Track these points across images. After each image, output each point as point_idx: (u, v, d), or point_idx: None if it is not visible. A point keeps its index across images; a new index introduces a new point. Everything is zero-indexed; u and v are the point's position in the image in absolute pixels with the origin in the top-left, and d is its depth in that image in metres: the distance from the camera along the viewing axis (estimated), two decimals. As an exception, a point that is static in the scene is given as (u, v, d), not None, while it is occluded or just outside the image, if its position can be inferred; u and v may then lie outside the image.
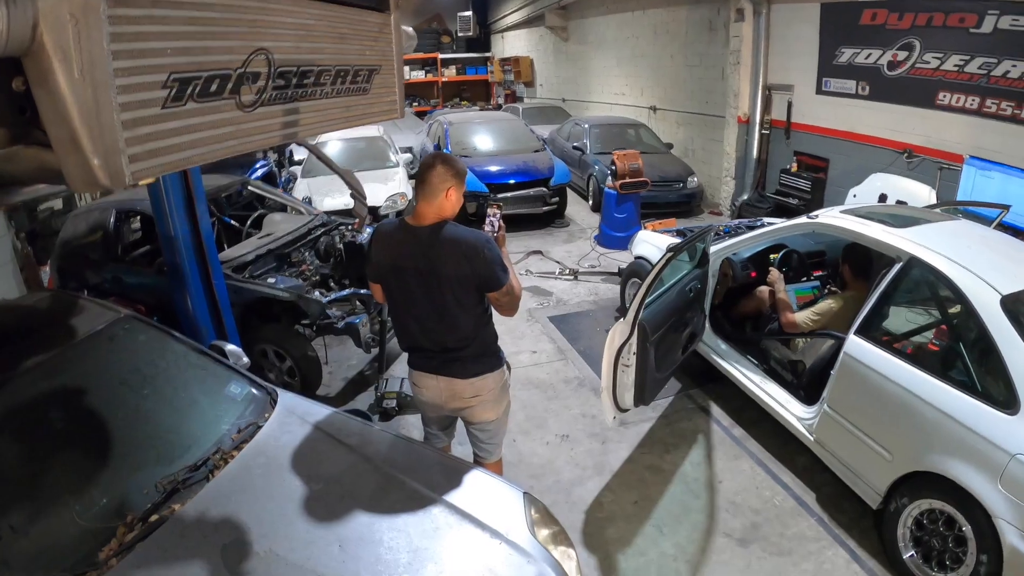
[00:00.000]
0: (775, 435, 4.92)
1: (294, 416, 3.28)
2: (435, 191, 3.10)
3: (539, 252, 9.50)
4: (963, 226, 4.64)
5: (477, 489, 3.02)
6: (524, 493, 3.06)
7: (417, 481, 2.96)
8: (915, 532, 3.82)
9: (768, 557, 3.96)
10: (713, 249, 5.38)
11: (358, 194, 3.89)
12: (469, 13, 25.58)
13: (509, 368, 3.62)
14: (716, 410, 5.40)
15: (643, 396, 4.41)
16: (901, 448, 3.83)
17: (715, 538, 4.09)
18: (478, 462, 3.66)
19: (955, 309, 3.87)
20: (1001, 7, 6.99)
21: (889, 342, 4.06)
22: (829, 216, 4.80)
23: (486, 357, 3.40)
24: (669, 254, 4.19)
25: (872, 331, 4.09)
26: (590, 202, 12.06)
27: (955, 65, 7.62)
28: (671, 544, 4.03)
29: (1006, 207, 5.80)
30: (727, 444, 4.98)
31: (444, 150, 11.18)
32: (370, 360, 6.20)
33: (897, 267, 4.09)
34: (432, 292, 3.16)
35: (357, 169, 10.04)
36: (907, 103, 8.32)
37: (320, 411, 3.41)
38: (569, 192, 11.67)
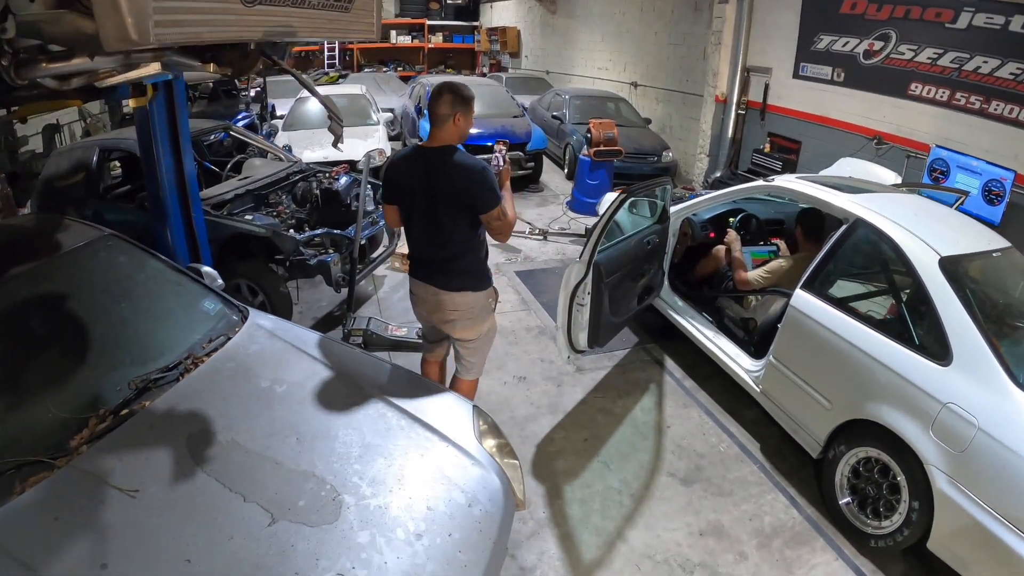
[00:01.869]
0: (725, 390, 5.13)
1: (263, 330, 3.45)
2: (444, 117, 3.40)
3: (510, 215, 9.57)
4: (912, 198, 4.86)
5: (431, 400, 3.22)
6: (474, 406, 3.28)
7: (374, 388, 3.16)
8: (852, 480, 4.01)
9: (709, 497, 4.15)
10: (674, 209, 5.55)
11: (334, 115, 4.01)
12: (460, -20, 25.44)
13: (496, 294, 3.91)
14: (670, 363, 5.59)
15: (597, 337, 4.59)
16: (840, 397, 4.03)
17: (659, 476, 4.28)
18: (456, 377, 4.03)
19: (897, 268, 4.05)
20: (977, 4, 7.20)
21: (832, 297, 4.24)
22: (785, 180, 5.00)
23: (471, 275, 3.67)
24: (624, 195, 4.36)
25: (817, 286, 4.28)
26: (565, 171, 12.21)
27: (928, 58, 7.83)
28: (617, 479, 4.22)
29: (964, 193, 6.02)
30: (678, 394, 5.18)
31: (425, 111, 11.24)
32: (340, 302, 6.32)
33: (844, 227, 4.29)
34: (431, 207, 3.48)
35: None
36: (880, 92, 8.54)
37: (288, 326, 3.62)
38: (546, 161, 11.81)
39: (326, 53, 22.40)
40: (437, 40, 25.20)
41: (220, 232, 5.49)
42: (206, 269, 3.95)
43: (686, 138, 12.51)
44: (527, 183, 11.23)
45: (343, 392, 3.10)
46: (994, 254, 4.24)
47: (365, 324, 5.64)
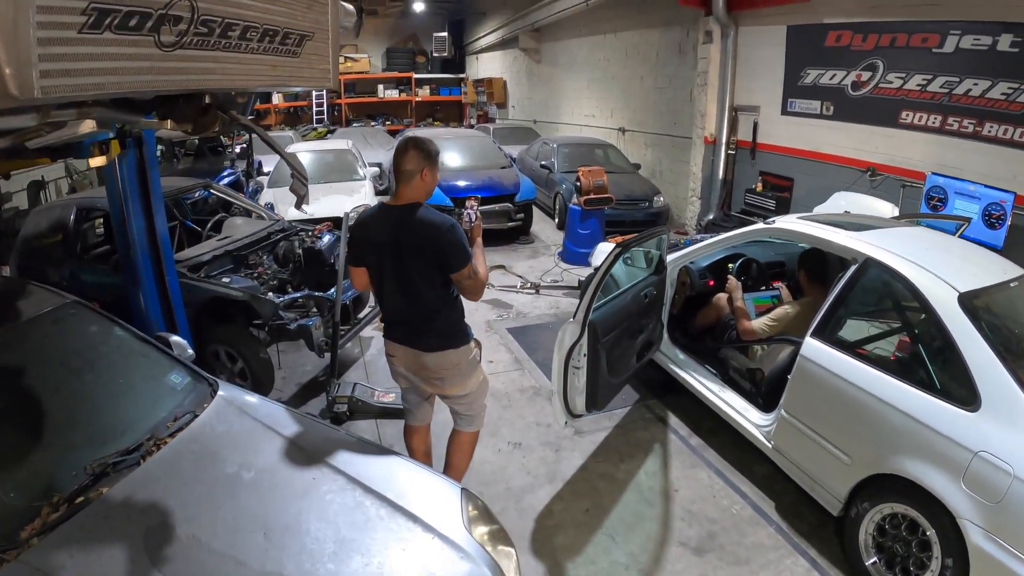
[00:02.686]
0: (734, 445, 4.83)
1: (233, 407, 3.23)
2: (410, 174, 3.38)
3: (502, 267, 9.39)
4: (918, 231, 4.66)
5: (413, 484, 2.94)
6: (463, 489, 2.98)
7: (352, 474, 2.88)
8: (877, 538, 3.73)
9: (724, 567, 3.83)
10: (671, 258, 5.32)
11: (298, 174, 3.82)
12: (445, 34, 25.67)
13: (479, 345, 3.86)
14: (674, 420, 5.29)
15: (595, 401, 4.32)
16: (860, 451, 3.75)
17: (669, 547, 3.96)
18: (456, 431, 3.94)
19: (912, 308, 3.83)
20: (963, 27, 7.11)
21: (846, 344, 3.99)
22: (786, 221, 4.78)
23: (450, 334, 3.58)
24: (618, 250, 4.12)
25: (828, 333, 4.02)
26: (556, 220, 12.02)
27: (918, 84, 7.72)
28: (623, 553, 3.89)
29: (967, 220, 5.82)
30: (684, 454, 4.87)
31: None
32: (324, 366, 6.02)
33: (853, 268, 4.05)
34: (400, 267, 3.42)
35: (324, 181, 10.04)
36: (871, 123, 8.41)
37: (260, 403, 3.37)
38: (536, 211, 11.66)
39: (314, 108, 22.47)
40: (424, 93, 25.29)
41: (197, 295, 5.25)
42: (175, 339, 3.72)
43: (677, 182, 12.34)
44: (517, 235, 11.04)
45: (317, 478, 2.83)
46: (1011, 284, 4.00)
47: (350, 391, 5.34)
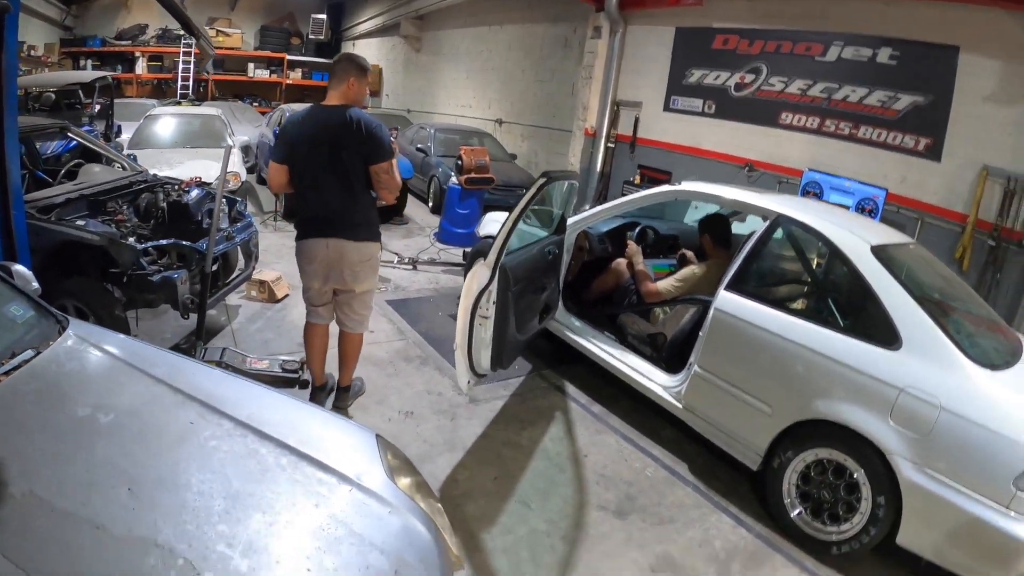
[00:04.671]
0: (637, 412, 4.73)
1: (87, 343, 2.58)
2: (340, 79, 3.77)
3: (377, 244, 8.96)
4: (812, 200, 5.01)
5: (319, 429, 2.45)
6: (376, 435, 2.53)
7: (241, 418, 2.30)
8: (802, 487, 3.75)
9: (649, 527, 3.70)
10: (569, 222, 5.16)
11: (205, 40, 3.47)
12: (323, 16, 24.48)
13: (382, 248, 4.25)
14: (572, 389, 5.10)
15: (501, 358, 4.04)
16: (782, 400, 3.77)
17: (589, 512, 3.76)
18: (346, 334, 4.23)
19: (828, 260, 3.97)
20: (846, 39, 7.55)
21: (762, 295, 4.01)
22: (693, 184, 4.83)
23: (371, 226, 4.00)
24: (543, 180, 3.94)
25: (743, 286, 4.03)
26: (430, 204, 11.70)
27: (799, 89, 8.06)
28: (541, 520, 3.64)
29: (844, 207, 6.06)
30: (587, 420, 4.68)
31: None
32: (187, 334, 5.37)
33: (765, 225, 4.13)
34: (334, 159, 3.73)
35: (191, 146, 9.46)
36: (751, 122, 8.68)
37: (123, 340, 2.75)
38: (409, 197, 11.34)
39: (179, 82, 21.02)
40: (296, 76, 24.08)
41: (46, 240, 4.48)
42: (17, 268, 3.03)
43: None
44: (391, 215, 10.57)
45: (196, 423, 2.24)
46: (910, 246, 4.33)
47: (219, 355, 4.73)
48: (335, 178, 3.75)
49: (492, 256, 3.71)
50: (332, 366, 4.47)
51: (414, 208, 11.53)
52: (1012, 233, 6.36)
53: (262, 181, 11.38)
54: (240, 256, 5.97)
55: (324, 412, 2.73)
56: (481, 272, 3.72)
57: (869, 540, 3.51)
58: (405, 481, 2.33)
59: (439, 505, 2.40)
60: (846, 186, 7.24)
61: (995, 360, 3.51)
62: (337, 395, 4.46)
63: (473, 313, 3.73)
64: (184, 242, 4.93)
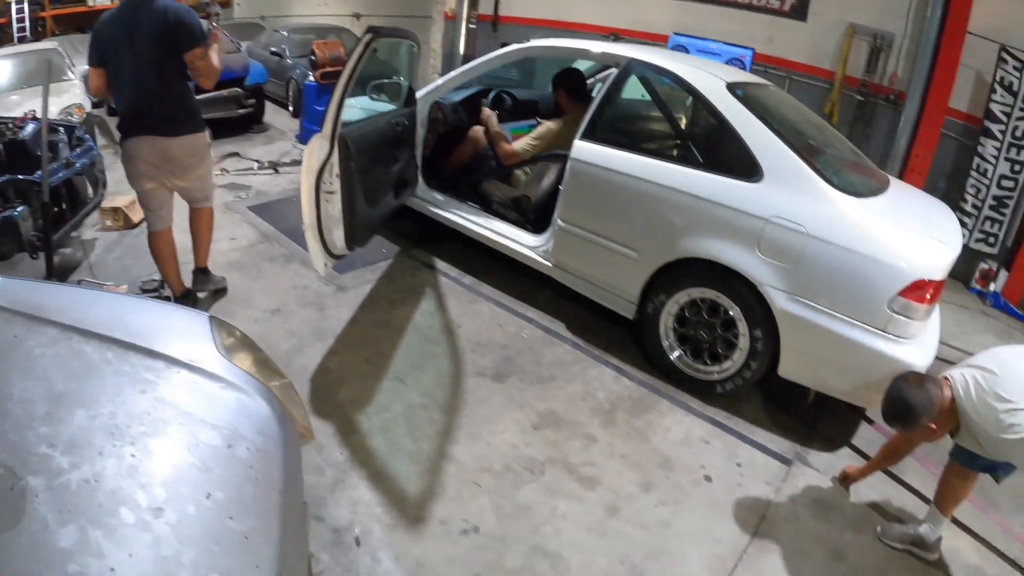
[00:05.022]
0: (510, 280, 4.67)
1: None
2: None
3: (236, 154, 8.49)
4: (663, 48, 4.88)
5: (148, 320, 2.23)
6: (210, 317, 2.33)
7: (67, 322, 2.07)
8: (679, 330, 3.77)
9: (529, 386, 3.67)
10: (419, 95, 4.89)
11: None
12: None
13: (211, 134, 4.17)
14: (442, 264, 4.97)
15: (355, 235, 3.83)
16: (648, 244, 3.73)
17: (466, 379, 3.70)
18: (197, 210, 4.22)
19: (683, 100, 3.93)
20: None
21: (619, 141, 3.91)
22: (540, 40, 4.72)
23: (193, 116, 3.90)
24: (370, 36, 3.66)
25: (599, 134, 3.93)
26: (291, 108, 11.14)
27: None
28: (417, 393, 3.55)
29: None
30: (459, 292, 4.58)
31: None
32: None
33: (616, 72, 4.04)
34: (147, 53, 3.60)
35: (28, 85, 8.59)
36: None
37: None
38: (269, 104, 10.77)
39: (15, 25, 19.14)
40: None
41: None
42: None
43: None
44: (250, 124, 10.03)
45: (20, 335, 1.99)
46: (768, 87, 4.32)
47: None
48: (148, 71, 3.63)
49: (327, 126, 3.48)
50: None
51: (274, 115, 10.94)
52: (880, 88, 6.61)
53: (113, 112, 10.59)
54: (88, 186, 5.48)
55: (154, 303, 2.52)
56: (319, 145, 3.48)
57: (751, 375, 3.58)
58: (243, 358, 2.16)
59: (287, 380, 2.23)
60: (712, 48, 7.28)
61: (860, 190, 3.53)
62: (195, 279, 4.36)
63: (317, 189, 3.51)
64: (20, 176, 4.44)
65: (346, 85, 3.48)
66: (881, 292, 3.15)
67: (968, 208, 6.52)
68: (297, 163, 7.94)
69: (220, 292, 4.45)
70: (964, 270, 6.31)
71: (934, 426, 2.58)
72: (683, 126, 3.95)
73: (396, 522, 2.80)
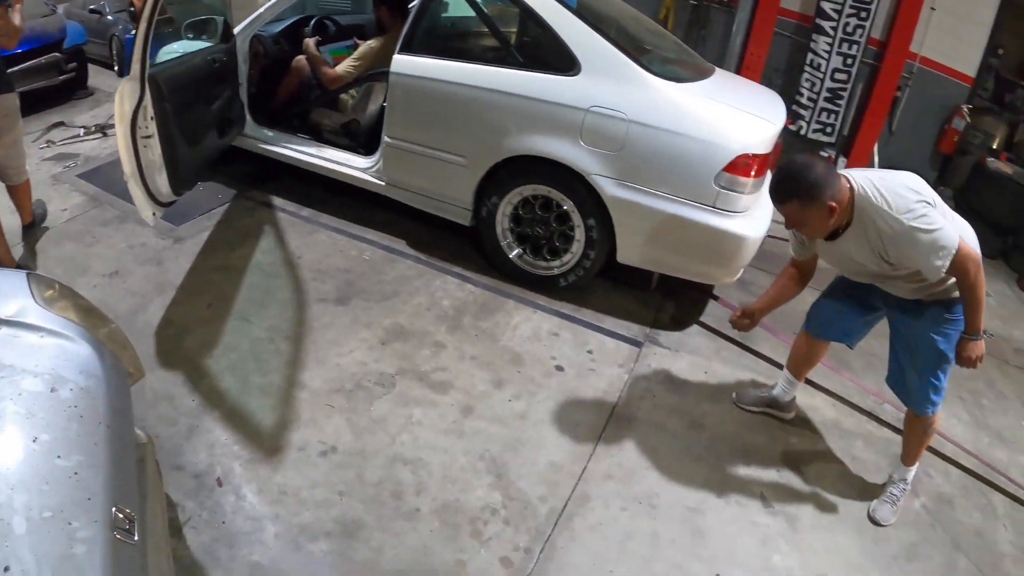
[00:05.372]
0: (349, 207, 4.65)
1: None
2: None
3: (61, 123, 7.95)
4: None
5: None
6: (28, 273, 2.25)
7: None
8: (516, 230, 3.86)
9: (374, 305, 3.72)
10: (237, 30, 4.71)
11: None
12: None
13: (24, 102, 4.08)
14: (279, 201, 4.88)
15: (179, 179, 3.71)
16: (475, 148, 3.78)
17: (310, 307, 3.71)
18: (14, 187, 4.19)
19: (497, 3, 3.98)
20: None
21: (436, 49, 3.91)
22: None
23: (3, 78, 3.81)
24: None
25: (417, 46, 3.90)
26: (116, 68, 10.45)
27: None
28: (262, 328, 3.55)
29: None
30: (298, 225, 4.53)
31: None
32: None
33: None
34: None
35: None
36: None
37: None
38: (92, 66, 9.94)
39: None
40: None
41: None
42: None
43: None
44: (74, 89, 9.38)
45: None
46: None
47: None
48: None
49: (135, 67, 3.29)
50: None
51: (99, 77, 10.24)
52: None
53: None
54: None
55: None
56: (129, 89, 3.32)
57: (591, 264, 3.70)
58: (63, 307, 2.13)
59: (114, 324, 2.24)
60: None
61: (681, 76, 3.64)
62: (24, 235, 4.41)
63: (133, 135, 3.36)
64: None
65: (149, 19, 3.30)
66: (706, 169, 3.30)
67: (804, 101, 6.87)
68: (127, 121, 7.55)
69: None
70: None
71: (835, 205, 2.37)
72: (500, 28, 3.95)
73: (255, 456, 2.83)
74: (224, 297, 3.78)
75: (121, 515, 1.53)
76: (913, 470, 3.09)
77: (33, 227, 4.42)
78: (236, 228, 4.52)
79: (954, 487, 3.33)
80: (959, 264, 2.39)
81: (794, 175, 2.35)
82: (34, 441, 1.56)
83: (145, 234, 4.55)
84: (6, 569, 1.28)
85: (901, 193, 2.37)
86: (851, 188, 2.41)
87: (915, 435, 3.00)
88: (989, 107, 7.25)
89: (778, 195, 2.42)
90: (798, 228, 2.51)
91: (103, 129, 7.36)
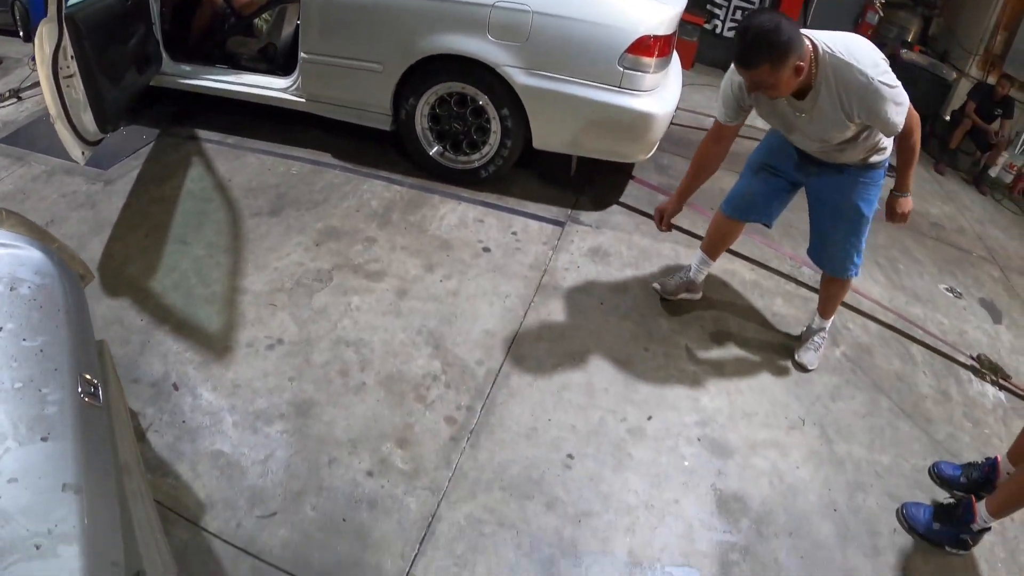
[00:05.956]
0: (275, 131, 4.72)
1: None
2: None
3: (-35, 95, 7.79)
4: None
5: None
6: None
7: None
8: (435, 128, 4.01)
9: (305, 212, 3.88)
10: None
11: None
12: None
13: None
14: (204, 133, 4.91)
15: (106, 117, 3.75)
16: (387, 52, 3.88)
17: (244, 222, 3.84)
18: None
19: None
20: None
21: None
22: None
23: None
24: None
25: None
26: (21, 33, 10.13)
27: None
28: (201, 247, 3.68)
29: None
30: (226, 152, 4.60)
31: None
32: None
33: None
34: None
35: None
36: None
37: None
38: (-1, 37, 9.72)
39: None
40: None
41: None
42: None
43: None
44: (-21, 62, 9.14)
45: None
46: None
47: None
48: None
49: (51, 9, 3.32)
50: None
51: (4, 45, 9.95)
52: None
53: None
54: None
55: None
56: (47, 30, 3.35)
57: (509, 154, 3.88)
58: (13, 224, 2.25)
59: (60, 242, 2.37)
60: None
61: None
62: None
63: (55, 76, 3.41)
64: None
65: None
66: (609, 52, 3.48)
67: (719, 0, 6.97)
68: (39, 84, 7.42)
69: None
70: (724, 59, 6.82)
71: (802, 64, 2.32)
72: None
73: (206, 359, 3.01)
74: (160, 226, 3.88)
75: (86, 381, 1.71)
76: (831, 321, 3.35)
77: None
78: (164, 163, 4.57)
79: (873, 338, 3.64)
80: (910, 120, 2.54)
81: (764, 37, 2.23)
82: (0, 331, 1.71)
83: (75, 183, 4.60)
84: (-15, 432, 1.45)
85: (865, 50, 2.38)
86: (814, 47, 2.37)
87: (834, 294, 3.24)
88: (903, 1, 7.53)
89: (748, 60, 2.30)
90: (766, 91, 2.40)
91: (17, 93, 7.23)
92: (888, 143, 2.78)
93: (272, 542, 2.32)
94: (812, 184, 2.99)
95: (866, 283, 4.02)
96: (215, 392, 2.86)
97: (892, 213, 2.92)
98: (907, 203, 2.89)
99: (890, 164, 2.88)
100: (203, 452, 2.62)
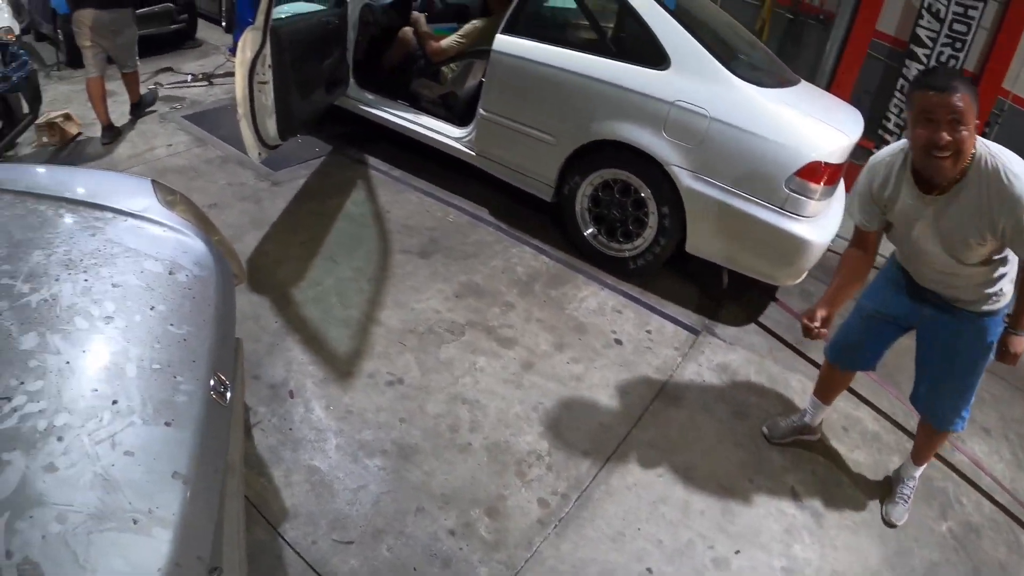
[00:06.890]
0: (440, 174, 4.87)
1: None
2: None
3: (169, 68, 8.37)
4: None
5: (95, 184, 2.44)
6: (152, 180, 2.55)
7: (20, 187, 2.28)
8: (593, 210, 4.04)
9: (453, 263, 3.95)
10: (349, -1, 4.99)
11: None
12: None
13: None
14: (374, 160, 5.14)
15: (289, 124, 4.01)
16: (564, 128, 3.96)
17: (393, 256, 3.96)
18: (127, 75, 5.67)
19: None
20: None
21: (537, 33, 4.09)
22: None
23: None
24: None
25: (519, 29, 4.11)
26: (224, 23, 10.87)
27: None
28: (348, 269, 3.82)
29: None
30: (389, 184, 4.79)
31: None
32: None
33: None
34: None
35: None
36: None
37: None
38: (201, 20, 10.46)
39: None
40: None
41: None
42: None
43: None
44: (183, 40, 9.83)
45: None
46: None
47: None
48: None
49: (260, 18, 3.58)
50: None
51: (207, 31, 10.69)
52: (810, 8, 6.80)
53: (42, 38, 10.25)
54: (23, 102, 5.48)
55: (100, 172, 2.87)
56: (252, 37, 3.61)
57: (660, 251, 3.87)
58: (183, 210, 2.40)
59: (222, 236, 2.49)
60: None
61: (765, 82, 3.78)
62: (132, 110, 5.88)
63: (251, 79, 3.65)
64: None
65: None
66: (779, 171, 3.44)
67: (891, 127, 6.82)
68: (230, 75, 7.90)
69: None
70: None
71: (976, 135, 2.13)
72: (599, 19, 4.12)
73: (327, 377, 3.09)
74: (315, 238, 4.06)
75: (219, 380, 1.77)
76: (923, 468, 3.14)
77: (140, 105, 5.81)
78: (331, 180, 4.80)
79: (984, 519, 3.38)
80: None
81: (957, 72, 2.02)
82: (151, 309, 1.82)
83: (245, 175, 4.88)
84: (114, 402, 1.51)
85: (1016, 157, 2.18)
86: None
87: (933, 444, 3.01)
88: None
89: (946, 82, 2.06)
90: (959, 126, 2.07)
91: (209, 77, 7.75)
92: (1009, 289, 2.55)
93: (342, 569, 2.33)
94: (926, 329, 2.77)
95: (991, 458, 3.76)
96: (327, 411, 2.93)
97: (1004, 353, 2.62)
98: (1021, 343, 2.61)
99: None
100: (301, 463, 2.68)
